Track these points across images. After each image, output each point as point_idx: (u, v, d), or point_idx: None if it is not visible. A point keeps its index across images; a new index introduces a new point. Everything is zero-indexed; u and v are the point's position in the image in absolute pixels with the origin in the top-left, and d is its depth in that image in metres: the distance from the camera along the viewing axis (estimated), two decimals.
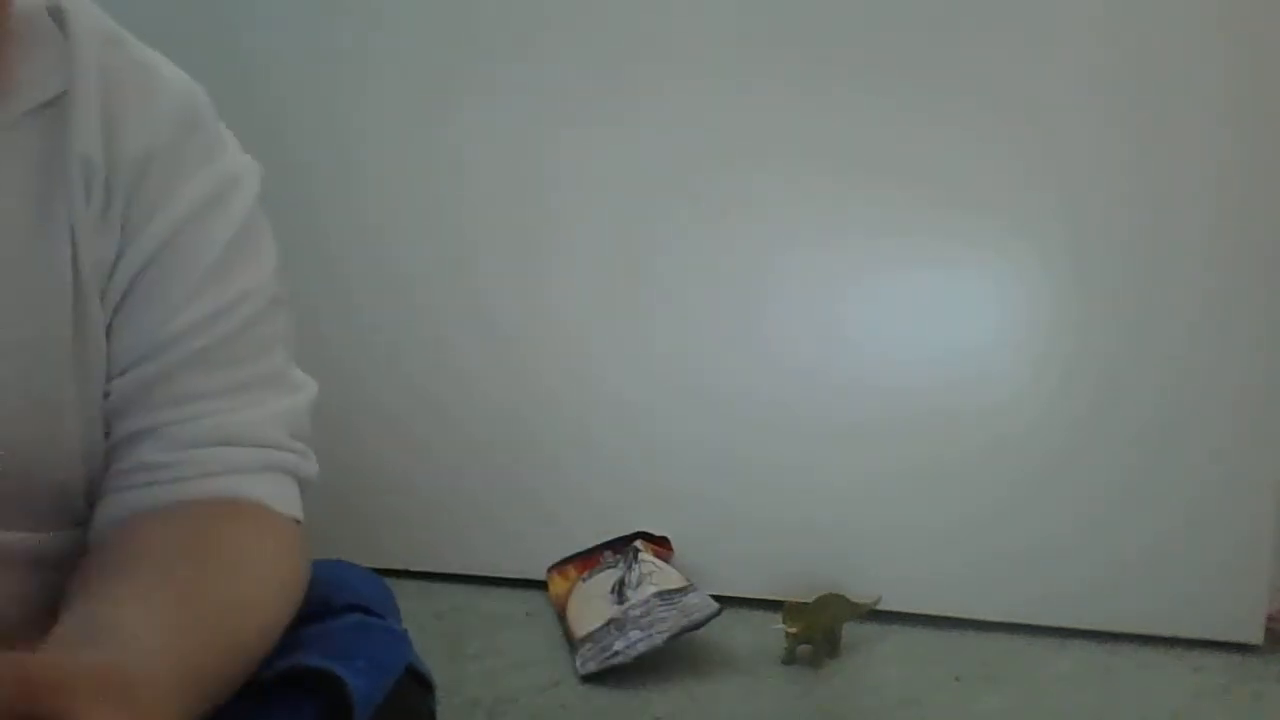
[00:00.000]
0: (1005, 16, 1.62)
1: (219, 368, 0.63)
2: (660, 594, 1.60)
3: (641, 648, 1.55)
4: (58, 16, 0.59)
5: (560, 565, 1.78)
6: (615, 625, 1.58)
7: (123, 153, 0.60)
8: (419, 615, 1.70)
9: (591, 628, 1.60)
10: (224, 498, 0.62)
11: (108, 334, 0.62)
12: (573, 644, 1.63)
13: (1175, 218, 1.62)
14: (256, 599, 0.60)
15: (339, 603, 0.67)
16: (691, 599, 1.60)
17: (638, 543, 1.72)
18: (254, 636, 0.59)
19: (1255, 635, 1.66)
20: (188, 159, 0.62)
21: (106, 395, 0.63)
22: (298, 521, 0.67)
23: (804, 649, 1.61)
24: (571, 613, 1.67)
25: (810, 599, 1.61)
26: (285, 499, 0.66)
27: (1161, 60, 1.59)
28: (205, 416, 0.63)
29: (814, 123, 1.68)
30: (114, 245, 0.60)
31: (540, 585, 1.80)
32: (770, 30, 1.67)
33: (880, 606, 1.69)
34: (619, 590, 1.63)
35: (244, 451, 0.64)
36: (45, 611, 0.58)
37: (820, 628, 1.60)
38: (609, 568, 1.69)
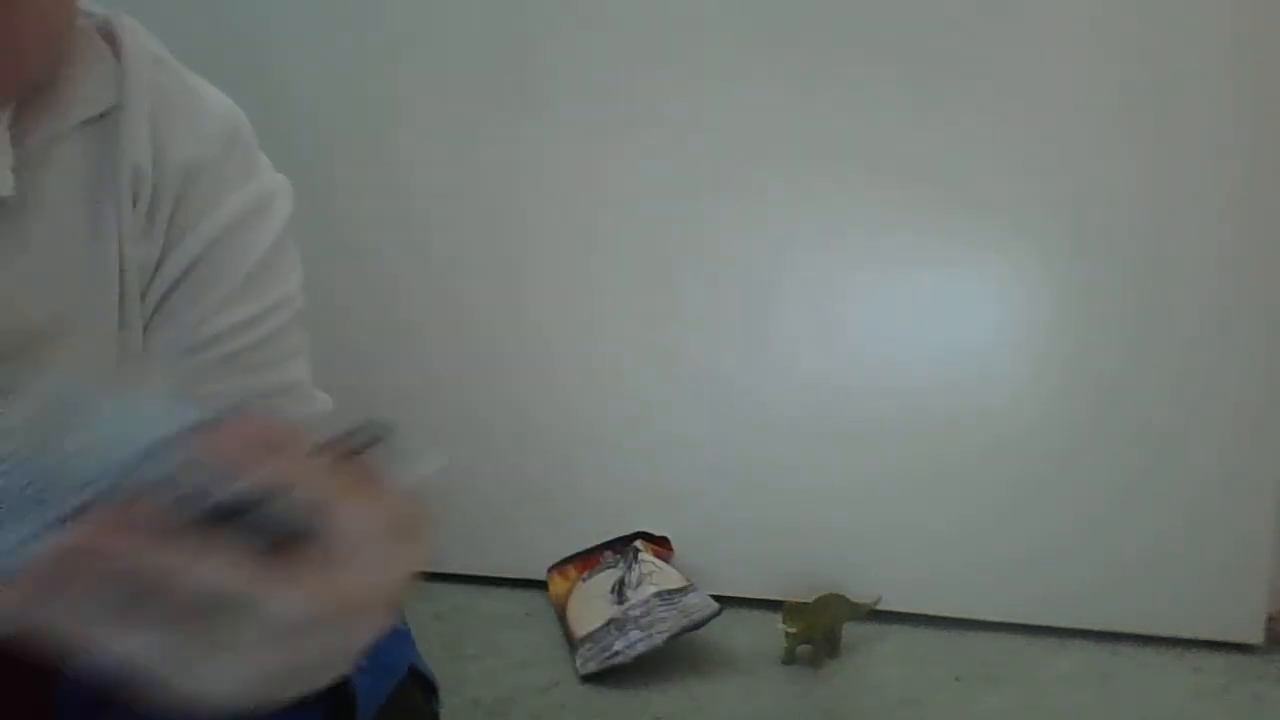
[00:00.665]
0: (1009, 16, 1.61)
1: (246, 373, 0.65)
2: (660, 594, 1.60)
3: (641, 648, 1.55)
4: (109, 37, 0.63)
5: (560, 565, 1.78)
6: (615, 625, 1.58)
7: (170, 163, 0.63)
8: (419, 615, 1.69)
9: (591, 628, 1.60)
10: None
11: (145, 332, 0.65)
12: (573, 644, 1.63)
13: (1178, 218, 1.62)
14: None
15: None
16: (691, 599, 1.60)
17: (638, 543, 1.72)
18: None
19: (1255, 635, 1.66)
20: (230, 174, 0.65)
21: None
22: None
23: (804, 649, 1.61)
24: (571, 613, 1.67)
25: (810, 599, 1.61)
26: None
27: (1165, 60, 1.58)
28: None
29: (817, 122, 1.67)
30: (157, 249, 0.64)
31: (540, 585, 1.80)
32: (772, 30, 1.67)
33: (880, 606, 1.69)
34: (619, 590, 1.63)
35: None
36: None
37: (820, 628, 1.60)
38: (609, 568, 1.69)
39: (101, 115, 0.62)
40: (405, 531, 0.42)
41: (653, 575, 1.63)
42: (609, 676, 1.56)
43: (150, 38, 0.65)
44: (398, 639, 0.67)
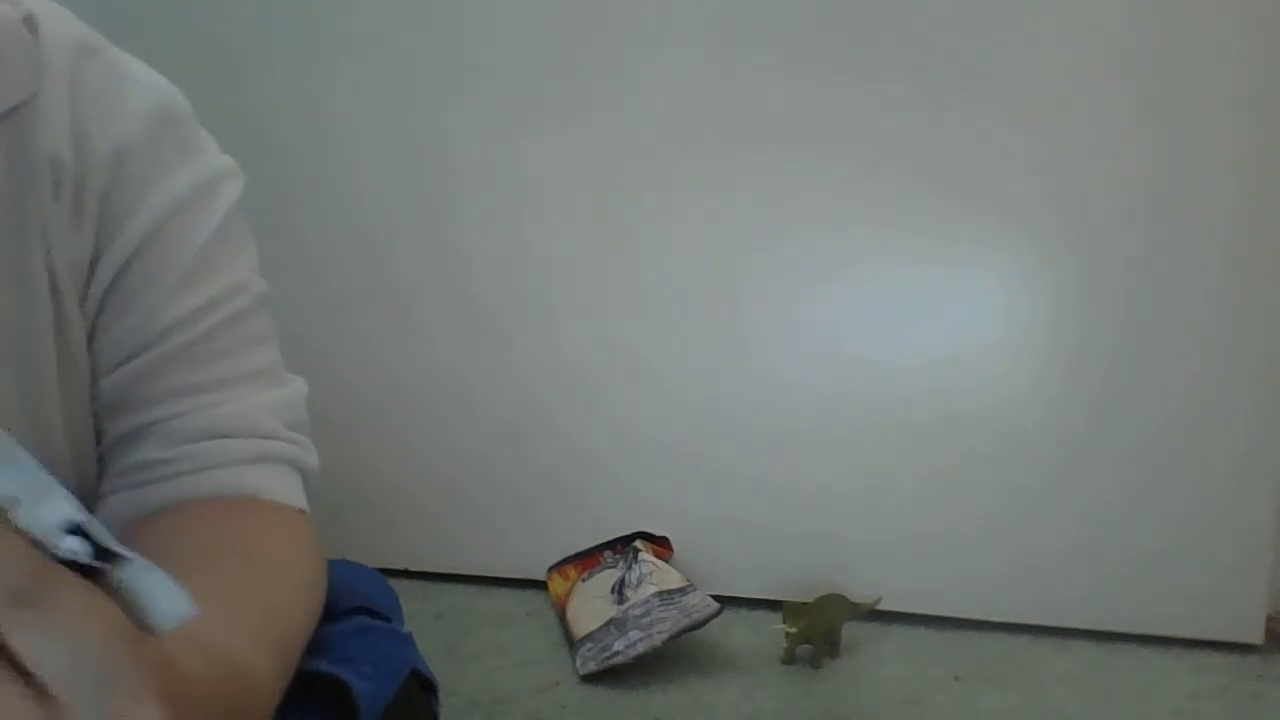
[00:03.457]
0: (1010, 6, 1.60)
1: (208, 362, 0.63)
2: (660, 594, 1.60)
3: (641, 648, 1.55)
4: (31, 26, 0.60)
5: (560, 565, 1.78)
6: (615, 625, 1.58)
7: (93, 151, 0.60)
8: (419, 615, 1.69)
9: (591, 628, 1.60)
10: (233, 495, 0.62)
11: (93, 333, 0.62)
12: (573, 644, 1.62)
13: (1181, 217, 1.61)
14: (294, 600, 0.60)
15: (343, 605, 0.67)
16: (691, 599, 1.60)
17: (638, 543, 1.72)
18: (296, 639, 0.58)
19: (1255, 635, 1.66)
20: (164, 157, 0.62)
21: (96, 397, 0.63)
22: (303, 512, 0.67)
23: (804, 649, 1.61)
24: (571, 613, 1.67)
25: (810, 599, 1.61)
26: (289, 490, 0.66)
27: (1170, 57, 1.57)
28: (199, 410, 0.62)
29: (803, 110, 1.65)
30: (89, 245, 0.61)
31: (540, 585, 1.80)
32: (751, 9, 1.65)
33: (880, 606, 1.69)
34: (619, 590, 1.63)
35: (241, 443, 0.63)
36: None
37: (820, 628, 1.60)
38: (609, 568, 1.69)
39: (18, 106, 0.59)
40: (125, 689, 0.32)
41: (653, 575, 1.63)
42: (609, 676, 1.56)
43: (76, 23, 0.62)
44: (399, 643, 0.67)
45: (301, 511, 0.66)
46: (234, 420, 0.63)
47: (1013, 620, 1.71)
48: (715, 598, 1.62)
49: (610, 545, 1.76)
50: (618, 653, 1.56)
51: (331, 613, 0.65)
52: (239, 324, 0.65)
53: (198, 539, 0.59)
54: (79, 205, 0.60)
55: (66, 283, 0.60)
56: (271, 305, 0.69)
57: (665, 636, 1.56)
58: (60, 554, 0.32)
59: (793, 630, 1.58)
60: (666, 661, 1.58)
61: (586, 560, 1.76)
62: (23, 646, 0.31)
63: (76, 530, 0.33)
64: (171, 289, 0.62)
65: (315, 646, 0.61)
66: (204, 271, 0.63)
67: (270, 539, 0.62)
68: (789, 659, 1.61)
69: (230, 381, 0.64)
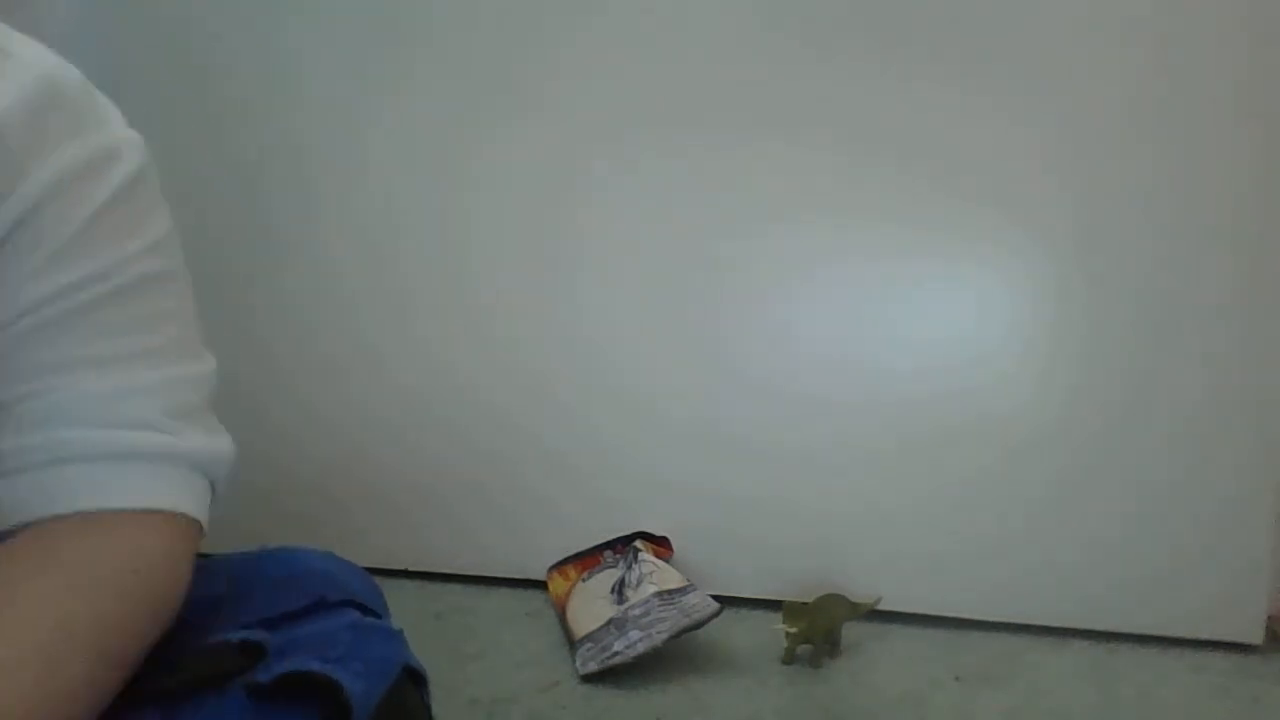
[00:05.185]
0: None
1: (77, 340, 0.62)
2: (660, 594, 1.60)
3: (641, 648, 1.55)
4: None
5: (560, 565, 1.78)
6: (615, 625, 1.58)
7: None
8: (419, 615, 1.70)
9: (591, 628, 1.61)
10: (66, 514, 0.61)
11: None
12: (573, 644, 1.63)
13: (1192, 215, 1.60)
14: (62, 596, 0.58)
15: (334, 598, 0.67)
16: (691, 599, 1.60)
17: (638, 543, 1.72)
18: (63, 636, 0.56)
19: (1255, 635, 1.66)
20: (48, 134, 0.61)
21: None
22: (151, 511, 0.64)
23: (804, 649, 1.61)
24: (571, 613, 1.68)
25: (810, 599, 1.62)
26: (136, 489, 0.63)
27: (1180, 54, 1.56)
28: (54, 391, 0.62)
29: (802, 97, 1.64)
30: None
31: (540, 585, 1.80)
32: None
33: (880, 606, 1.69)
34: (619, 590, 1.63)
35: (95, 434, 0.62)
36: None
37: (820, 628, 1.60)
38: (609, 568, 1.70)
39: None
40: None
41: (653, 575, 1.63)
42: (609, 676, 1.56)
43: None
44: (390, 640, 0.67)
45: (148, 511, 0.64)
46: (90, 406, 0.62)
47: (1013, 620, 1.71)
48: (715, 598, 1.62)
49: (610, 545, 1.76)
50: (618, 653, 1.56)
51: (322, 605, 0.65)
52: (125, 302, 0.63)
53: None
54: None
55: None
56: (183, 282, 0.67)
57: (665, 636, 1.56)
58: None
59: (793, 630, 1.58)
60: (666, 661, 1.58)
61: (586, 560, 1.76)
62: None
63: None
64: (44, 263, 0.61)
65: (307, 644, 0.61)
66: (85, 247, 0.62)
67: (76, 558, 0.60)
68: (789, 659, 1.61)
69: (103, 361, 0.62)
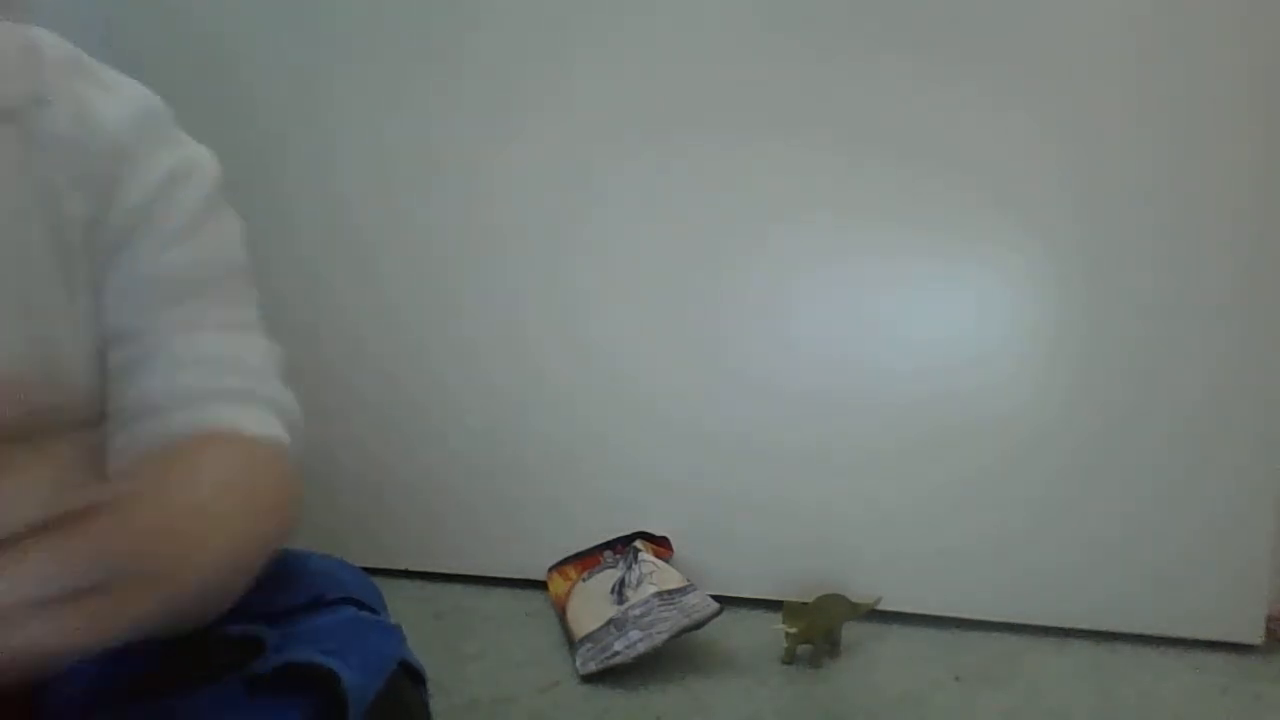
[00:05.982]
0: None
1: (203, 306, 0.71)
2: (660, 594, 1.60)
3: (641, 648, 1.55)
4: (30, 41, 0.71)
5: (560, 565, 1.78)
6: (615, 625, 1.58)
7: (94, 134, 0.69)
8: (419, 615, 1.70)
9: (591, 628, 1.60)
10: (213, 428, 0.67)
11: (100, 285, 0.69)
12: (573, 644, 1.63)
13: (1196, 215, 1.60)
14: (249, 511, 0.64)
15: (332, 595, 0.67)
16: (691, 599, 1.60)
17: (638, 543, 1.72)
18: (250, 543, 0.62)
19: (1255, 635, 1.66)
20: (152, 141, 0.72)
21: (103, 337, 0.70)
22: (280, 445, 0.70)
23: (804, 649, 1.61)
24: (571, 613, 1.68)
25: (810, 599, 1.62)
26: (266, 423, 0.70)
27: (1186, 53, 1.56)
28: (194, 344, 0.70)
29: (806, 96, 1.64)
30: (90, 211, 0.69)
31: (540, 585, 1.80)
32: None
33: (880, 606, 1.69)
34: (619, 590, 1.63)
35: (231, 378, 0.70)
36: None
37: (820, 628, 1.60)
38: (609, 568, 1.70)
39: (26, 103, 0.68)
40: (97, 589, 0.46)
41: (653, 575, 1.63)
42: (609, 676, 1.56)
43: (66, 44, 0.73)
44: (387, 636, 0.68)
45: (279, 445, 0.70)
46: (227, 351, 0.71)
47: (1013, 620, 1.71)
48: (715, 598, 1.62)
49: (610, 545, 1.76)
50: (618, 653, 1.56)
51: (320, 602, 0.65)
52: (231, 282, 0.74)
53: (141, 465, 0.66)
54: (81, 179, 0.69)
55: (73, 237, 0.68)
56: (254, 284, 0.76)
57: (665, 636, 1.56)
58: None
59: (793, 630, 1.58)
60: (666, 661, 1.58)
61: (586, 560, 1.76)
62: None
63: None
64: (166, 242, 0.70)
65: (305, 637, 0.62)
66: (194, 233, 0.72)
67: (240, 464, 0.67)
68: (789, 659, 1.61)
69: (226, 325, 0.72)
